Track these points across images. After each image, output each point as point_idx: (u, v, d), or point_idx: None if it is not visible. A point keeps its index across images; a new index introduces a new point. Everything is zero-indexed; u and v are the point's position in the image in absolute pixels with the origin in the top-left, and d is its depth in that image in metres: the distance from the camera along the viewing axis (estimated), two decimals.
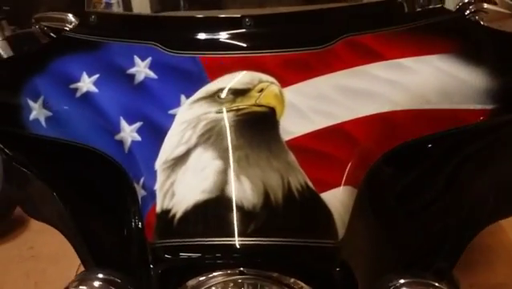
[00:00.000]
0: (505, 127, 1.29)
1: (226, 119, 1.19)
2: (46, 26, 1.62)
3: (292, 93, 1.22)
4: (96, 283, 1.18)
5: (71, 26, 1.56)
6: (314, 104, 1.21)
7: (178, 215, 1.10)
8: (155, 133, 1.22)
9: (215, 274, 1.09)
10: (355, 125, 1.18)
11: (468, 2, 1.43)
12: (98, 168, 1.32)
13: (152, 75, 1.30)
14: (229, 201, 1.09)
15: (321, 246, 1.07)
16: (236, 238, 1.06)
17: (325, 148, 1.16)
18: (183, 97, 1.24)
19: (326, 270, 1.09)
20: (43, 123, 1.37)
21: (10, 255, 3.08)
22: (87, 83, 1.34)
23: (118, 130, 1.26)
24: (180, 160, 1.16)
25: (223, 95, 1.23)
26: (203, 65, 1.28)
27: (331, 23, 1.38)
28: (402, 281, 1.11)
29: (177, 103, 1.24)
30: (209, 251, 1.09)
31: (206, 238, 1.08)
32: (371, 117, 1.19)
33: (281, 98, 1.21)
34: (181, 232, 1.10)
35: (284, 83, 1.23)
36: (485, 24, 1.41)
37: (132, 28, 1.49)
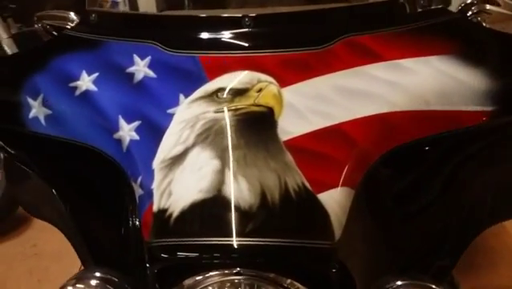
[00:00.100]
0: (505, 128, 1.28)
1: (224, 118, 1.19)
2: (48, 25, 1.63)
3: (291, 93, 1.21)
4: (93, 282, 1.18)
5: (72, 25, 1.56)
6: (312, 105, 1.20)
7: (175, 214, 1.10)
8: (153, 132, 1.22)
9: (212, 273, 1.09)
10: (353, 126, 1.18)
11: (470, 3, 1.42)
12: (97, 166, 1.33)
13: (151, 74, 1.30)
14: (226, 200, 1.09)
15: (317, 246, 1.07)
16: (232, 238, 1.06)
17: (323, 149, 1.15)
18: (182, 96, 1.24)
19: (322, 271, 1.09)
20: (43, 121, 1.37)
21: (14, 253, 3.09)
22: (86, 82, 1.34)
23: (116, 129, 1.26)
24: (177, 160, 1.16)
25: (222, 94, 1.22)
26: (202, 64, 1.28)
27: (331, 23, 1.37)
28: (399, 283, 1.11)
29: (176, 103, 1.24)
30: (206, 251, 1.09)
31: (203, 237, 1.08)
32: (369, 118, 1.19)
33: (279, 98, 1.20)
34: (178, 231, 1.10)
35: (283, 83, 1.22)
36: (488, 25, 1.41)
37: (132, 27, 1.49)
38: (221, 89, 1.23)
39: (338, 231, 1.07)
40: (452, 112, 1.22)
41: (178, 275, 1.11)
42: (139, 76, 1.31)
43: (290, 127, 1.17)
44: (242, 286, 1.08)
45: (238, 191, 1.09)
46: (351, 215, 1.10)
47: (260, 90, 1.22)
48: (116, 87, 1.32)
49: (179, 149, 1.17)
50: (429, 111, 1.22)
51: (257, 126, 1.19)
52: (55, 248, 2.90)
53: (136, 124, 1.25)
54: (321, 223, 1.08)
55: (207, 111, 1.21)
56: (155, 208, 1.12)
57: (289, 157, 1.13)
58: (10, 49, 2.67)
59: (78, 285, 1.18)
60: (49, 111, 1.37)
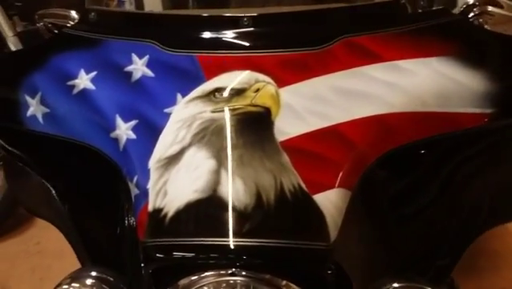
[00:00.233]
0: (504, 131, 1.27)
1: (221, 118, 1.18)
2: (49, 23, 1.63)
3: (288, 93, 1.21)
4: (89, 281, 1.19)
5: (73, 23, 1.56)
6: (310, 105, 1.19)
7: (170, 214, 1.09)
8: (150, 131, 1.22)
9: (207, 274, 1.08)
10: (350, 127, 1.17)
11: (472, 4, 1.41)
12: (94, 165, 1.32)
13: (149, 73, 1.30)
14: (222, 201, 1.08)
15: (312, 248, 1.06)
16: (227, 239, 1.05)
17: (319, 150, 1.15)
18: (179, 96, 1.24)
19: (317, 273, 1.08)
20: (40, 119, 1.37)
21: (17, 250, 3.10)
22: (84, 80, 1.34)
23: (113, 128, 1.26)
24: (173, 159, 1.16)
25: (219, 94, 1.22)
26: (200, 64, 1.28)
27: (331, 24, 1.36)
28: (396, 285, 1.10)
29: (173, 102, 1.23)
30: (201, 251, 1.08)
31: (198, 237, 1.08)
32: (367, 119, 1.18)
33: (277, 98, 1.20)
34: (173, 231, 1.09)
35: (281, 83, 1.22)
36: (490, 27, 1.39)
37: (131, 26, 1.48)
38: (219, 89, 1.23)
39: (333, 232, 1.06)
40: (450, 114, 1.22)
41: (173, 275, 1.10)
42: (137, 75, 1.31)
43: (286, 127, 1.17)
44: (238, 287, 1.07)
45: (234, 191, 1.09)
46: (347, 217, 1.09)
47: (257, 90, 1.21)
48: (114, 86, 1.32)
49: (175, 149, 1.17)
50: (428, 113, 1.21)
51: (253, 126, 1.18)
52: (58, 246, 2.89)
53: (133, 123, 1.24)
54: (316, 224, 1.07)
55: (204, 110, 1.20)
56: (150, 207, 1.12)
57: (285, 158, 1.13)
58: (15, 47, 2.67)
59: (73, 284, 1.19)
60: (47, 110, 1.37)
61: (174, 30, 1.41)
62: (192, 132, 1.18)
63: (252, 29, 1.32)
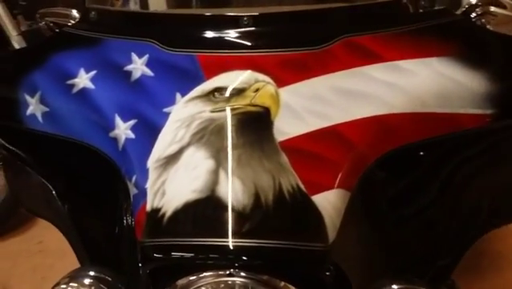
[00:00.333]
0: (505, 132, 1.26)
1: (220, 118, 1.18)
2: (51, 22, 1.63)
3: (288, 93, 1.20)
4: (87, 281, 1.19)
5: (74, 22, 1.56)
6: (309, 105, 1.19)
7: (168, 214, 1.09)
8: (149, 131, 1.22)
9: (205, 274, 1.08)
10: (350, 127, 1.16)
11: (475, 4, 1.40)
12: (93, 164, 1.32)
13: (148, 72, 1.29)
14: (220, 201, 1.08)
15: (311, 249, 1.06)
16: (225, 239, 1.05)
17: (318, 150, 1.14)
18: (178, 95, 1.23)
19: (315, 274, 1.07)
20: (40, 118, 1.37)
21: (19, 249, 3.10)
22: (83, 80, 1.34)
23: (113, 127, 1.26)
24: (172, 159, 1.15)
25: (218, 94, 1.21)
26: (200, 63, 1.27)
27: (331, 23, 1.35)
28: (395, 287, 1.10)
29: (173, 102, 1.23)
30: (199, 251, 1.08)
31: (196, 238, 1.08)
32: (366, 120, 1.17)
33: (276, 98, 1.19)
34: (171, 231, 1.09)
35: (280, 83, 1.21)
36: (492, 28, 1.38)
37: (131, 25, 1.48)
38: (218, 88, 1.22)
39: (332, 233, 1.06)
40: (451, 115, 1.21)
41: (171, 275, 1.10)
42: (136, 74, 1.30)
43: (286, 127, 1.16)
44: (236, 287, 1.07)
45: (232, 191, 1.09)
46: (346, 218, 1.09)
47: (257, 90, 1.20)
48: (113, 85, 1.31)
49: (174, 148, 1.16)
50: (428, 114, 1.20)
51: (253, 126, 1.18)
52: (60, 245, 2.84)
53: (132, 122, 1.24)
54: (314, 225, 1.07)
55: (203, 110, 1.20)
56: (148, 207, 1.11)
57: (284, 158, 1.12)
58: (19, 46, 2.68)
59: (71, 283, 1.19)
60: (46, 109, 1.37)
61: (174, 29, 1.40)
62: (191, 131, 1.17)
63: (252, 28, 1.31)
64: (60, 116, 1.36)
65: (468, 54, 1.25)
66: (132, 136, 1.23)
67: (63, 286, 1.18)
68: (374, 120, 1.18)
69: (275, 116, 1.18)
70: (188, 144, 1.16)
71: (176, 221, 1.09)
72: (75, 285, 1.18)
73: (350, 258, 1.13)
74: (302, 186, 1.09)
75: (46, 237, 3.13)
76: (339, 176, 1.12)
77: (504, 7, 1.41)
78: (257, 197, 1.08)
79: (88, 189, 1.38)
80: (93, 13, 1.49)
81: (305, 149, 1.14)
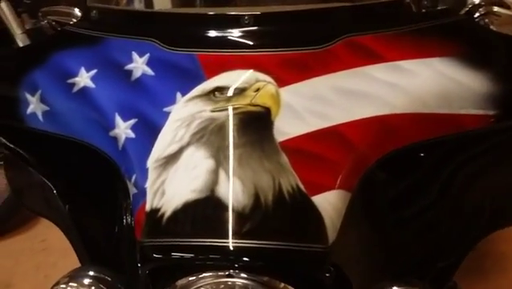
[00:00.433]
0: (507, 133, 1.26)
1: (220, 118, 1.17)
2: (53, 20, 1.63)
3: (289, 93, 1.19)
4: (86, 281, 1.19)
5: (75, 21, 1.56)
6: (310, 105, 1.18)
7: (167, 214, 1.09)
8: (149, 130, 1.21)
9: (205, 274, 1.07)
10: (350, 128, 1.16)
11: (478, 4, 1.39)
12: (94, 164, 1.32)
13: (149, 71, 1.29)
14: (219, 201, 1.08)
15: (310, 250, 1.05)
16: (225, 240, 1.05)
17: (319, 151, 1.13)
18: (179, 95, 1.23)
19: (315, 275, 1.07)
20: (40, 117, 1.37)
21: (22, 248, 3.09)
22: (84, 78, 1.33)
23: (113, 126, 1.26)
24: (172, 159, 1.15)
25: (219, 93, 1.21)
26: (200, 63, 1.26)
27: (333, 23, 1.35)
28: (395, 288, 1.09)
29: (173, 101, 1.22)
30: (198, 252, 1.08)
31: (195, 238, 1.07)
32: (367, 120, 1.17)
33: (277, 98, 1.18)
34: (170, 231, 1.09)
35: (281, 82, 1.20)
36: (496, 28, 1.37)
37: (132, 24, 1.48)
38: (219, 88, 1.22)
39: (332, 235, 1.05)
40: (452, 116, 1.20)
41: (171, 276, 1.10)
42: (137, 74, 1.30)
43: (286, 127, 1.15)
44: (236, 288, 1.06)
45: (232, 192, 1.08)
46: (346, 219, 1.08)
47: (258, 89, 1.20)
48: (114, 84, 1.31)
49: (174, 148, 1.16)
50: (429, 114, 1.20)
51: (253, 126, 1.17)
52: (64, 244, 2.85)
53: (132, 121, 1.24)
54: (315, 226, 1.06)
55: (203, 110, 1.19)
56: (147, 207, 1.11)
57: (284, 158, 1.12)
58: (24, 44, 2.68)
59: (71, 283, 1.19)
60: (46, 108, 1.37)
61: (175, 28, 1.40)
62: (191, 131, 1.17)
63: (253, 28, 1.30)
64: (60, 115, 1.36)
65: (471, 55, 1.24)
66: (132, 135, 1.22)
67: (63, 285, 1.19)
68: (375, 120, 1.17)
69: (276, 115, 1.17)
70: (188, 144, 1.15)
71: (175, 221, 1.08)
72: (75, 285, 1.18)
73: (350, 260, 1.12)
74: (302, 187, 1.08)
75: (49, 235, 3.12)
76: (340, 176, 1.11)
77: (508, 7, 1.40)
78: (257, 197, 1.07)
79: (89, 188, 1.38)
80: (94, 11, 1.49)
81: (305, 149, 1.13)
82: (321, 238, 1.05)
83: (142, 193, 1.14)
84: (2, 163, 1.67)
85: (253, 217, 1.06)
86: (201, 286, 1.08)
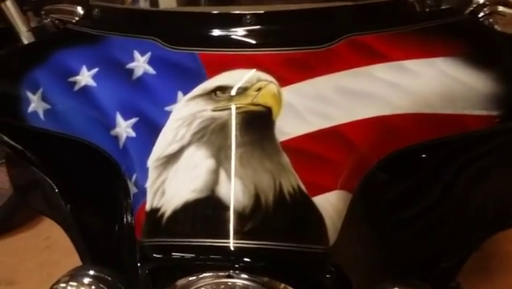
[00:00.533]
0: (511, 133, 1.25)
1: (222, 117, 1.16)
2: (56, 19, 1.63)
3: (290, 93, 1.18)
4: (86, 280, 1.19)
5: (78, 19, 1.56)
6: (312, 105, 1.17)
7: (167, 214, 1.08)
8: (150, 130, 1.21)
9: (205, 275, 1.07)
10: (352, 128, 1.15)
11: (482, 4, 1.38)
12: (95, 163, 1.32)
13: (150, 70, 1.28)
14: (220, 201, 1.07)
15: (311, 251, 1.05)
16: (225, 240, 1.04)
17: (320, 151, 1.13)
18: (180, 94, 1.22)
19: (315, 276, 1.07)
20: (41, 115, 1.37)
21: (25, 245, 3.10)
22: (85, 77, 1.33)
23: (114, 125, 1.25)
24: (172, 158, 1.14)
25: (220, 92, 1.20)
26: (202, 62, 1.26)
27: (335, 22, 1.33)
28: None
29: (174, 100, 1.22)
30: (198, 252, 1.07)
31: (195, 238, 1.07)
32: (369, 120, 1.16)
33: (278, 98, 1.18)
34: (170, 231, 1.08)
35: (283, 82, 1.19)
36: (500, 28, 1.36)
37: (134, 22, 1.48)
38: (220, 87, 1.21)
39: (333, 235, 1.05)
40: (456, 116, 1.19)
41: (171, 276, 1.09)
42: (138, 72, 1.29)
43: (287, 127, 1.14)
44: (237, 288, 1.06)
45: (233, 192, 1.08)
46: (347, 219, 1.08)
47: (259, 89, 1.19)
48: (115, 83, 1.30)
49: (174, 148, 1.15)
50: (432, 115, 1.18)
51: (254, 126, 1.16)
52: (67, 242, 2.88)
53: (133, 120, 1.23)
54: (315, 227, 1.06)
55: (204, 109, 1.18)
56: (147, 207, 1.11)
57: (285, 158, 1.11)
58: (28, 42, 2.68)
59: (71, 282, 1.19)
60: (48, 106, 1.37)
61: (176, 27, 1.39)
62: (191, 130, 1.16)
63: (255, 27, 1.29)
64: (62, 114, 1.35)
65: (475, 55, 1.23)
66: (133, 134, 1.22)
67: (63, 284, 1.19)
68: (377, 120, 1.16)
69: (277, 115, 1.16)
70: (189, 143, 1.15)
71: (175, 220, 1.08)
72: (75, 284, 1.18)
73: (351, 261, 1.12)
74: (303, 187, 1.08)
75: (53, 233, 3.13)
76: (341, 177, 1.10)
77: None
78: (257, 197, 1.07)
79: (90, 187, 1.38)
80: (96, 10, 1.48)
81: (306, 150, 1.13)
82: (322, 239, 1.04)
83: (142, 192, 1.13)
84: (4, 161, 1.67)
85: (254, 218, 1.05)
86: (201, 287, 1.07)
